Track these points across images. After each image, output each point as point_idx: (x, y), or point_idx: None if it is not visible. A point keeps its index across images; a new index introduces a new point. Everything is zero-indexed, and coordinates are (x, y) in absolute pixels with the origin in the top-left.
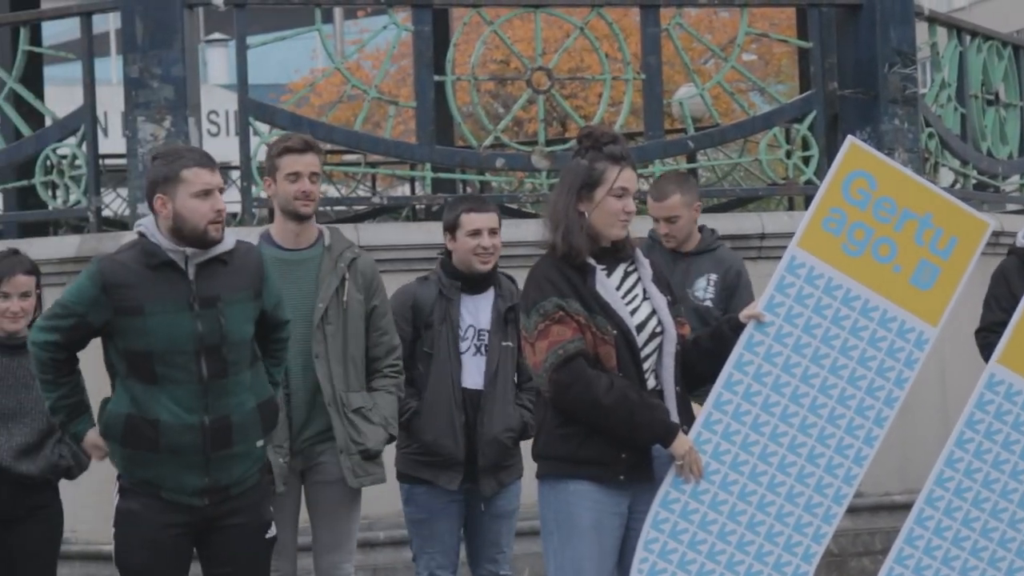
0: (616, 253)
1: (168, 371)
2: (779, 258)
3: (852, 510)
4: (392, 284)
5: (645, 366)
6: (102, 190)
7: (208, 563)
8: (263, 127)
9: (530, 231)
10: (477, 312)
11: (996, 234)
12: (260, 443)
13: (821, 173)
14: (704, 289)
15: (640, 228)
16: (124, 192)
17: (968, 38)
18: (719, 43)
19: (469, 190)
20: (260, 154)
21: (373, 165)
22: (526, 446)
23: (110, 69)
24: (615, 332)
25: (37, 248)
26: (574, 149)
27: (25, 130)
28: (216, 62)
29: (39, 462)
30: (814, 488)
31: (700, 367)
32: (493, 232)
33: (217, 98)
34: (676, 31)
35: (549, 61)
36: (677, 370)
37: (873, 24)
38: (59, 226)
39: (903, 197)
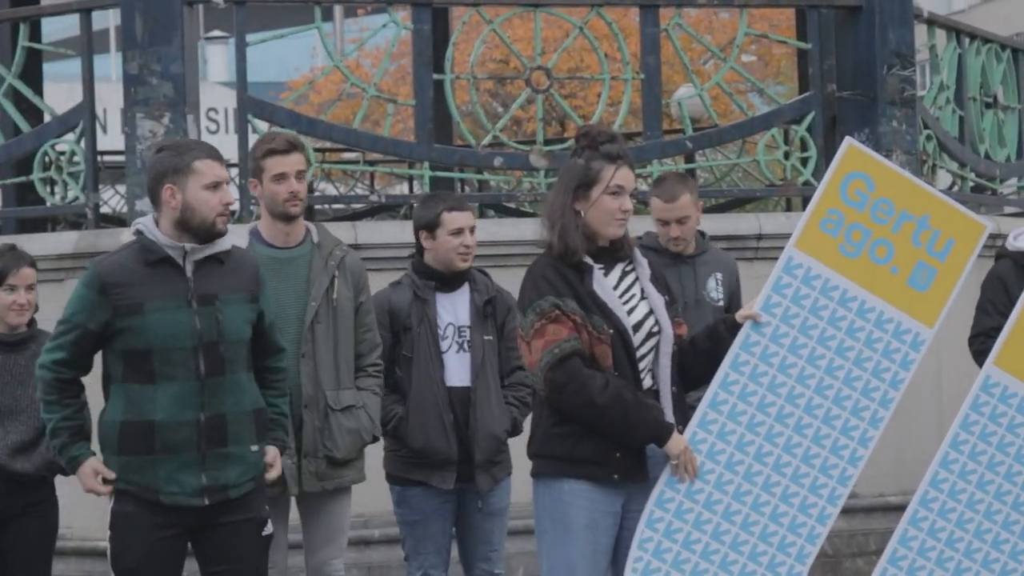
0: (614, 252)
1: (166, 368)
2: (776, 259)
3: (847, 511)
4: (390, 281)
5: (641, 366)
6: (100, 187)
7: (205, 561)
8: (262, 124)
9: (528, 230)
10: (455, 309)
11: (993, 236)
12: (255, 448)
13: (819, 174)
14: (715, 289)
15: (637, 228)
16: (122, 189)
17: (967, 41)
18: (719, 44)
19: (468, 189)
20: None
21: (371, 163)
22: (514, 443)
23: (110, 66)
24: (611, 331)
25: (35, 244)
26: (572, 148)
27: (24, 126)
28: (216, 59)
29: (35, 459)
30: (809, 488)
31: (697, 367)
32: (472, 230)
33: (216, 95)
34: (675, 31)
35: (548, 60)
36: (674, 370)
37: (872, 26)
38: (57, 222)
39: (901, 199)
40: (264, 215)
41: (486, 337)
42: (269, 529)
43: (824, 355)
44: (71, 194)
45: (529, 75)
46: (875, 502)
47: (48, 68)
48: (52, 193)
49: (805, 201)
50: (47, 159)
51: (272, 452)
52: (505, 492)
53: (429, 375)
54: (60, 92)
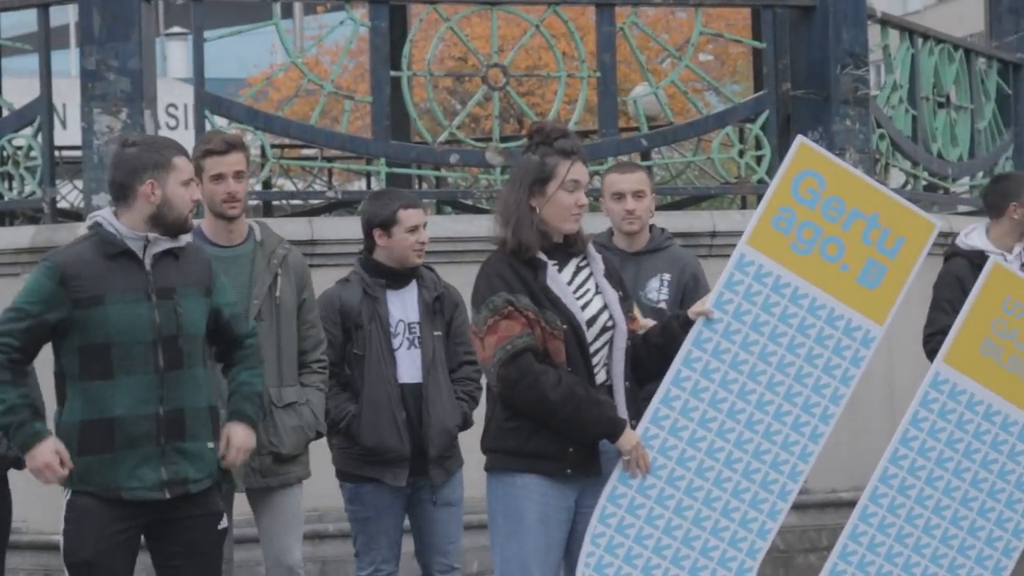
0: (568, 248)
1: (125, 363)
2: (730, 256)
3: (799, 506)
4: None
5: (595, 360)
6: (58, 181)
7: (159, 555)
8: (220, 120)
9: (484, 227)
10: (404, 306)
11: (944, 235)
12: (211, 445)
13: (773, 172)
14: (657, 290)
15: (592, 225)
16: (80, 183)
17: (920, 41)
18: (675, 43)
19: (424, 185)
20: None
21: (329, 159)
22: (464, 437)
23: (69, 62)
24: (565, 327)
25: None
26: (525, 145)
27: None
28: (176, 56)
29: None
30: (760, 483)
31: (650, 363)
32: (424, 226)
33: (176, 91)
34: (632, 30)
35: (505, 58)
36: (627, 365)
37: (826, 26)
38: (14, 217)
39: (851, 197)
40: (207, 214)
41: (435, 333)
42: (225, 523)
43: (775, 352)
44: (28, 188)
45: (486, 72)
46: (827, 498)
47: (7, 63)
48: (9, 188)
49: (759, 199)
50: (4, 154)
51: (238, 434)
52: (458, 484)
53: (381, 373)
54: (19, 87)
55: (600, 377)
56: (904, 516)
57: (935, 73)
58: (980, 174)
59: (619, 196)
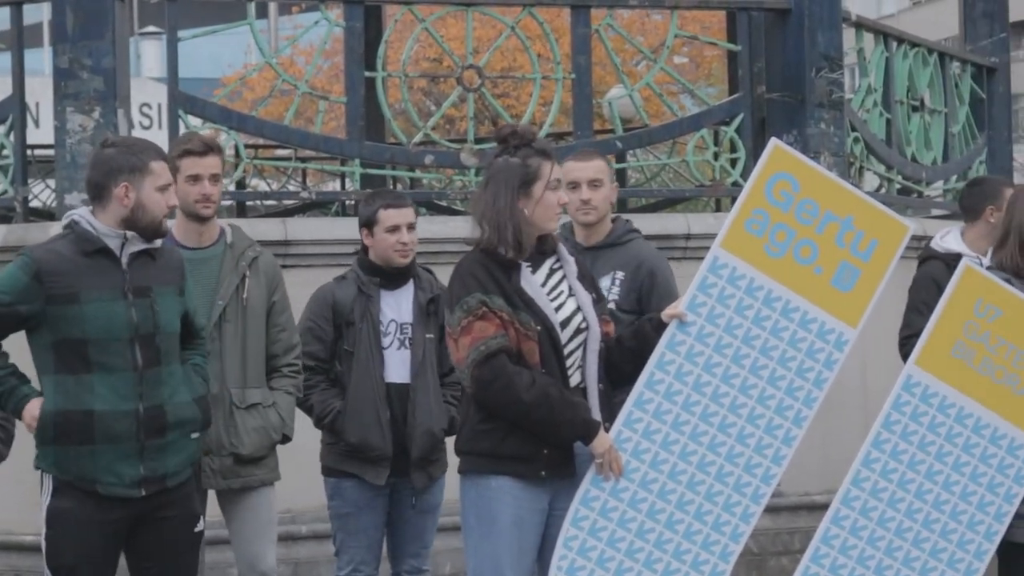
0: (541, 249)
1: (103, 359)
2: (704, 259)
3: (772, 509)
4: (320, 278)
5: (569, 362)
6: (31, 180)
7: (137, 556)
8: (194, 120)
9: (458, 228)
10: (398, 306)
11: (918, 238)
12: (195, 435)
13: (748, 175)
14: (607, 289)
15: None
16: (52, 182)
17: (895, 44)
18: (651, 46)
19: (399, 186)
20: None
21: (303, 160)
22: (451, 443)
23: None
24: (539, 328)
25: None
26: (499, 148)
27: None
28: (150, 55)
29: None
30: (732, 487)
31: (624, 366)
32: (411, 227)
33: (150, 91)
34: (607, 32)
35: (480, 60)
36: (601, 368)
37: (801, 29)
38: None
39: (825, 199)
40: (179, 215)
41: (428, 335)
42: (201, 525)
43: (749, 354)
44: (0, 187)
45: (461, 74)
46: (800, 500)
47: None
48: None
49: (734, 201)
50: None
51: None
52: (439, 490)
53: (368, 370)
54: None
55: (574, 379)
56: (876, 519)
57: (909, 77)
58: (954, 178)
59: (574, 185)
